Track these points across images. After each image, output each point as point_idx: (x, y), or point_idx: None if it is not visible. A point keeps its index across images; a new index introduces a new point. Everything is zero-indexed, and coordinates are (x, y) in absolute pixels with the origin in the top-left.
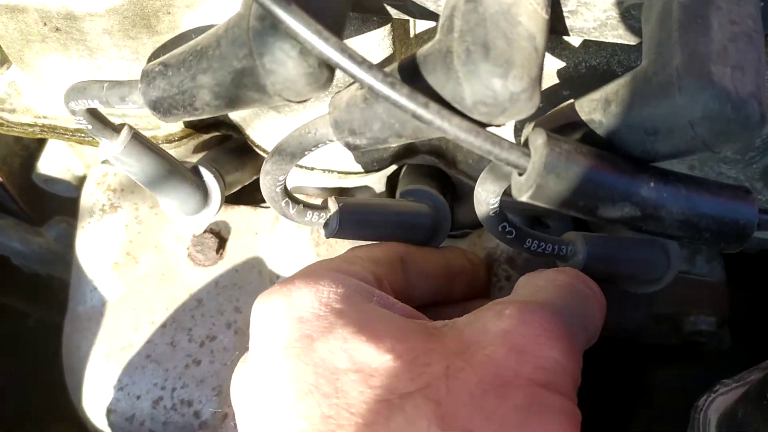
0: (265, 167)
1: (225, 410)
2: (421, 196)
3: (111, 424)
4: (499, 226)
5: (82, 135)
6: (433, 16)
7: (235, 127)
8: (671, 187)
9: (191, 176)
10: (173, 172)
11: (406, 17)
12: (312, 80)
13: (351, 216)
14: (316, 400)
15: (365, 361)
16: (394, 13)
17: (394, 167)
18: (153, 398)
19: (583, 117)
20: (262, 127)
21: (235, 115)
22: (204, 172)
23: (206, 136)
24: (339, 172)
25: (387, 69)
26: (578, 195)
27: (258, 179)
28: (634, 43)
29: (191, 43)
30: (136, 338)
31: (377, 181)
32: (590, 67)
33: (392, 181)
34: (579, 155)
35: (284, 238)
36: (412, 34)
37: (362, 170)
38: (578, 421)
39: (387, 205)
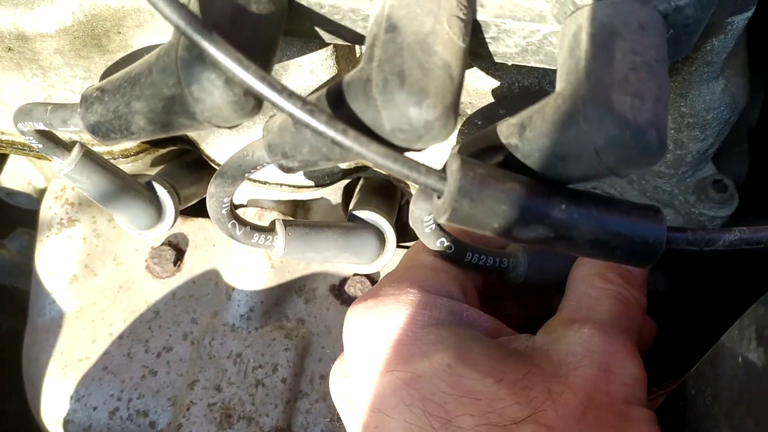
0: (210, 189)
1: (180, 420)
2: (369, 219)
3: None
4: (437, 242)
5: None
6: (363, 40)
7: (191, 142)
8: (582, 209)
9: (144, 192)
10: (126, 188)
11: (340, 41)
12: (238, 108)
13: (297, 239)
14: (428, 423)
15: (470, 386)
16: (327, 37)
17: (346, 182)
18: (109, 409)
19: (503, 141)
20: (216, 142)
21: (193, 133)
22: (158, 187)
23: (163, 151)
24: (292, 186)
25: (313, 96)
26: (492, 217)
27: None
28: (555, 68)
29: (127, 69)
30: (94, 350)
31: (333, 192)
32: (523, 87)
33: (349, 190)
34: (492, 179)
35: (238, 253)
36: (358, 53)
37: (314, 184)
38: (656, 421)
39: (333, 228)
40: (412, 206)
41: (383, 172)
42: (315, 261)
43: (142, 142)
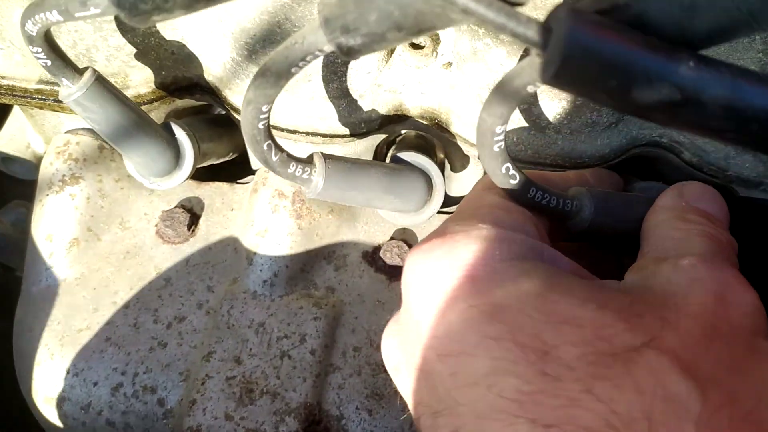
0: (247, 95)
1: (193, 396)
2: (414, 162)
3: (63, 415)
4: (502, 167)
5: (43, 97)
6: None
7: (212, 90)
8: (713, 69)
9: (162, 132)
10: (142, 125)
11: None
12: None
13: (338, 174)
14: (523, 357)
15: (569, 312)
16: None
17: (381, 137)
18: (112, 384)
19: (606, 5)
20: (241, 87)
21: (212, 76)
22: (176, 129)
23: (179, 102)
24: (323, 135)
25: None
26: (610, 72)
27: (235, 159)
28: None
29: None
30: (95, 320)
31: (363, 154)
32: None
33: (378, 155)
34: (607, 27)
35: (262, 211)
36: None
37: (348, 132)
38: None
39: (378, 167)
40: (482, 113)
41: (425, 122)
42: (356, 202)
43: (157, 88)
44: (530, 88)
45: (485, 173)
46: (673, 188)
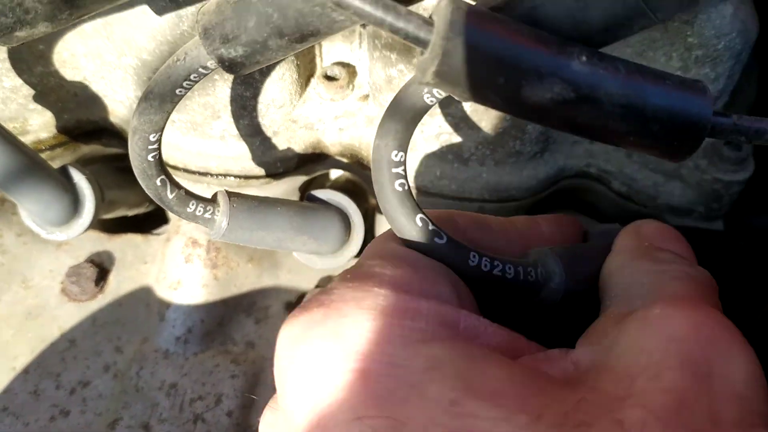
0: (132, 123)
1: None
2: (330, 200)
3: None
4: (415, 218)
5: None
6: None
7: (119, 134)
8: (607, 63)
9: (58, 176)
10: (34, 168)
11: None
12: None
13: (244, 213)
14: None
15: (492, 430)
16: None
17: (301, 179)
18: None
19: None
20: None
21: (117, 119)
22: (74, 173)
23: (85, 148)
24: (237, 176)
25: None
26: (496, 68)
27: (152, 211)
28: None
29: None
30: None
31: (283, 197)
32: None
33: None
34: (492, 19)
35: (175, 262)
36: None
37: (264, 173)
38: None
39: (288, 205)
40: (375, 141)
41: (345, 160)
42: (265, 244)
43: (60, 132)
44: (427, 98)
45: None
46: (629, 229)
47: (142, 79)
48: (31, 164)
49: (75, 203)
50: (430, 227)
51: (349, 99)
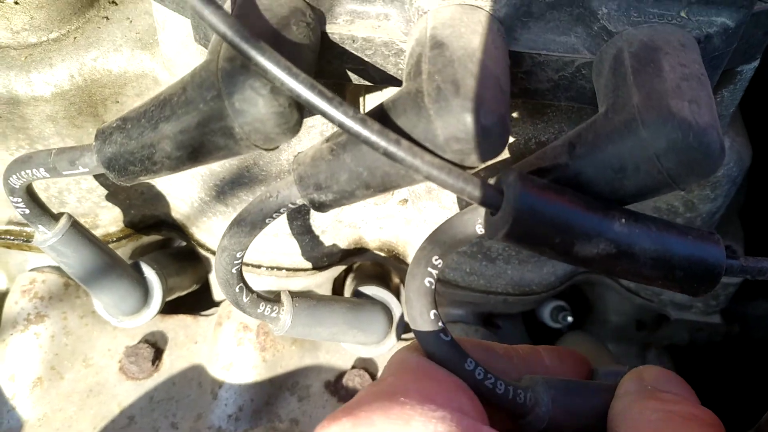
0: (222, 243)
1: None
2: (375, 296)
3: None
4: (431, 312)
5: (11, 237)
6: (392, 80)
7: (178, 228)
8: (641, 224)
9: (132, 272)
10: (113, 266)
11: (366, 82)
12: (282, 121)
13: (304, 312)
14: None
15: None
16: (354, 78)
17: (340, 268)
18: None
19: (548, 163)
20: (208, 224)
21: (179, 215)
22: (145, 268)
23: (146, 239)
24: (287, 269)
25: None
26: (555, 231)
27: (197, 290)
28: (585, 105)
29: (152, 96)
30: None
31: (323, 284)
32: (539, 143)
33: (336, 286)
34: (552, 191)
35: (227, 345)
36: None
37: (311, 266)
38: None
39: (341, 303)
40: (425, 242)
41: (383, 254)
42: (321, 337)
43: (126, 226)
44: (478, 229)
45: None
46: (631, 374)
47: (209, 185)
48: (110, 262)
49: (145, 295)
50: (440, 324)
51: (390, 202)
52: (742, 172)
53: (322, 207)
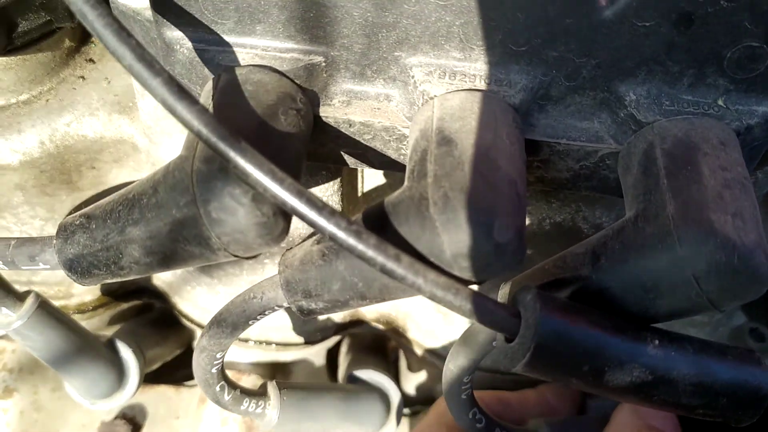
0: (201, 343)
1: None
2: (371, 380)
3: None
4: (469, 413)
5: None
6: (393, 165)
7: (160, 295)
8: (677, 346)
9: (105, 352)
10: (84, 348)
11: (365, 167)
12: (265, 231)
13: (292, 405)
14: None
15: None
16: (351, 162)
17: (336, 339)
18: None
19: (568, 273)
20: (192, 294)
21: (161, 282)
22: (121, 346)
23: (125, 306)
24: (277, 344)
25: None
26: (582, 357)
27: (180, 354)
28: (608, 195)
29: (121, 191)
30: None
31: (317, 354)
32: (554, 223)
33: (332, 354)
34: (576, 312)
35: (211, 423)
36: (359, 193)
37: (303, 341)
38: None
39: (332, 392)
40: (448, 365)
41: (381, 327)
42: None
43: (103, 295)
44: (495, 344)
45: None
46: (628, 406)
47: None
48: (81, 345)
49: (120, 375)
50: (477, 416)
51: None
52: None
53: (310, 314)
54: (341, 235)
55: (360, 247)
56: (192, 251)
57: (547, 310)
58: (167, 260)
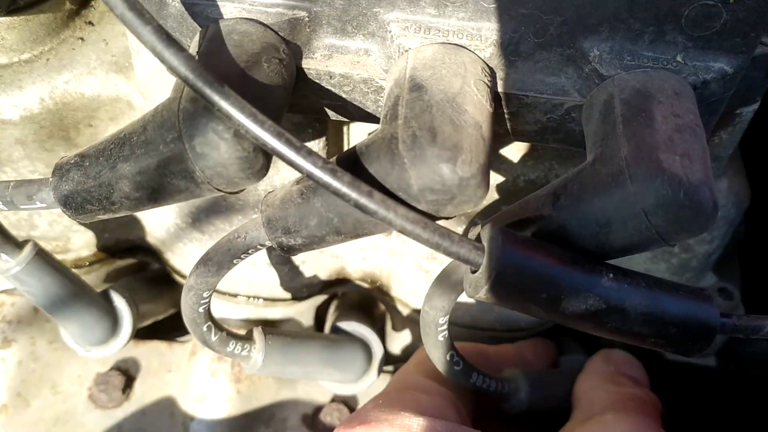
0: (189, 282)
1: None
2: (354, 332)
3: None
4: (446, 355)
5: None
6: (371, 118)
7: (153, 253)
8: (630, 280)
9: (100, 301)
10: (80, 295)
11: (345, 119)
12: (246, 165)
13: (277, 350)
14: None
15: None
16: (332, 115)
17: (322, 297)
18: None
19: (531, 214)
20: (183, 251)
21: (154, 239)
22: (115, 296)
23: (120, 263)
24: (265, 299)
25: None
26: (540, 286)
27: (174, 314)
28: (574, 148)
29: (113, 132)
30: None
31: (305, 313)
32: (528, 180)
33: (320, 314)
34: (535, 246)
35: (201, 376)
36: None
37: (290, 297)
38: None
39: (316, 340)
40: (424, 306)
41: (366, 285)
42: (295, 376)
43: (99, 250)
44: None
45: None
46: (601, 354)
47: (185, 211)
48: (77, 292)
49: (114, 324)
50: (455, 359)
51: None
52: (740, 214)
53: (291, 251)
54: (317, 172)
55: (335, 184)
56: (178, 185)
57: (508, 243)
58: (155, 195)
